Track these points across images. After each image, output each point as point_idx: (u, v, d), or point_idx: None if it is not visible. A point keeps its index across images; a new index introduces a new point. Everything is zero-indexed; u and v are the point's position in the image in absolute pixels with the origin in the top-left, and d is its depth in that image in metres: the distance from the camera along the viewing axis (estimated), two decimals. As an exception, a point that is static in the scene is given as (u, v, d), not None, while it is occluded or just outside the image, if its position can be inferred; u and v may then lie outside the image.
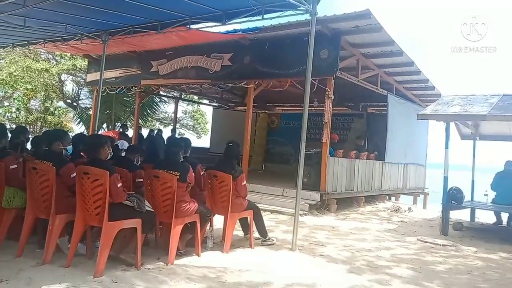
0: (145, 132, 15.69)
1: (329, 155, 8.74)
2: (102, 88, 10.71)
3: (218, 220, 5.43)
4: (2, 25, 7.62)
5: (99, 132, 14.54)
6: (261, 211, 5.62)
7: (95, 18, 7.34)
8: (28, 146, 5.53)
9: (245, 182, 5.11)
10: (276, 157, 15.41)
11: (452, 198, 7.51)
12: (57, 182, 3.96)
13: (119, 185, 3.87)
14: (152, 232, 4.64)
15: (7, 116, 18.70)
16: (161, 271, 3.93)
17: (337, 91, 9.18)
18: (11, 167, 4.34)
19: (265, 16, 6.34)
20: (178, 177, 4.23)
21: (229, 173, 4.91)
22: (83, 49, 10.21)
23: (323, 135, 8.67)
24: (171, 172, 4.27)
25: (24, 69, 16.76)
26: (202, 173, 5.09)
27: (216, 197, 5.05)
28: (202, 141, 23.23)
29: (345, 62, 9.19)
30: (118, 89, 12.74)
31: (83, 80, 18.32)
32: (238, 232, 5.52)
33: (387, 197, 11.82)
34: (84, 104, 19.85)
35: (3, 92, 19.07)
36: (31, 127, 18.84)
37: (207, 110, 22.64)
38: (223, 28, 8.39)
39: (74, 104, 19.89)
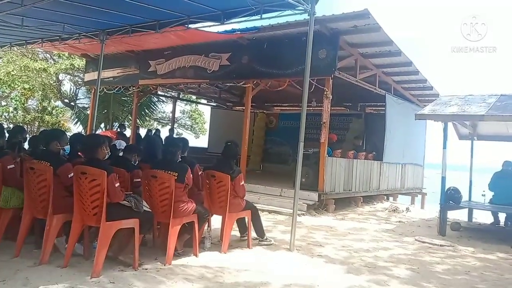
0: (143, 132, 15.62)
1: (327, 155, 8.74)
2: (100, 88, 10.70)
3: (216, 220, 5.42)
4: (0, 24, 7.59)
5: (97, 132, 14.50)
6: (259, 211, 5.62)
7: (93, 17, 7.33)
8: (26, 146, 5.51)
9: (243, 182, 5.10)
10: (274, 157, 15.41)
11: (450, 198, 7.52)
12: (55, 182, 3.95)
13: (117, 185, 3.86)
14: (150, 232, 4.63)
15: (5, 116, 18.68)
16: (158, 272, 3.93)
17: (335, 91, 9.18)
18: (8, 167, 4.33)
19: (264, 15, 6.34)
20: (176, 177, 4.23)
21: (227, 173, 4.91)
22: (81, 48, 10.19)
23: (321, 135, 8.67)
24: (169, 172, 4.26)
25: (22, 69, 16.72)
26: (200, 173, 5.08)
27: (214, 197, 5.05)
28: (200, 141, 23.25)
29: (344, 62, 9.19)
30: (116, 89, 12.71)
31: (80, 80, 18.25)
32: (236, 232, 5.51)
33: (385, 197, 11.82)
34: (81, 103, 19.83)
35: (1, 92, 19.02)
36: (29, 126, 18.80)
37: (205, 110, 22.68)
38: (221, 28, 8.41)
39: (72, 103, 19.86)
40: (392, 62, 10.03)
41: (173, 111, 17.29)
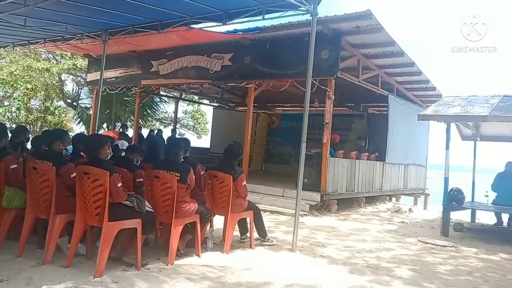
0: (145, 132, 15.69)
1: (329, 156, 8.73)
2: (102, 88, 10.71)
3: (218, 221, 5.42)
4: (3, 24, 7.62)
5: (99, 132, 14.54)
6: (261, 212, 5.61)
7: (96, 17, 7.34)
8: (28, 145, 5.52)
9: (245, 183, 5.10)
10: (276, 157, 15.39)
11: (453, 199, 7.51)
12: (57, 182, 3.96)
13: (119, 185, 3.86)
14: (152, 233, 4.62)
15: (7, 116, 18.72)
16: (161, 271, 3.93)
17: (337, 92, 9.16)
18: (11, 167, 4.33)
19: (266, 16, 6.34)
20: (178, 178, 4.23)
21: (229, 173, 4.90)
22: (83, 48, 10.20)
23: (324, 136, 8.66)
24: (171, 172, 4.26)
25: (25, 69, 16.77)
26: (202, 173, 5.08)
27: (216, 198, 5.04)
28: (202, 141, 23.29)
29: (346, 63, 9.18)
30: (118, 89, 12.73)
31: (83, 80, 18.33)
32: (238, 232, 5.51)
33: (388, 198, 11.81)
34: (84, 103, 19.91)
35: (4, 92, 19.09)
36: (31, 126, 18.87)
37: (207, 110, 22.71)
38: (223, 28, 8.40)
39: (74, 103, 19.91)
40: (395, 63, 10.01)
41: (175, 111, 17.28)
